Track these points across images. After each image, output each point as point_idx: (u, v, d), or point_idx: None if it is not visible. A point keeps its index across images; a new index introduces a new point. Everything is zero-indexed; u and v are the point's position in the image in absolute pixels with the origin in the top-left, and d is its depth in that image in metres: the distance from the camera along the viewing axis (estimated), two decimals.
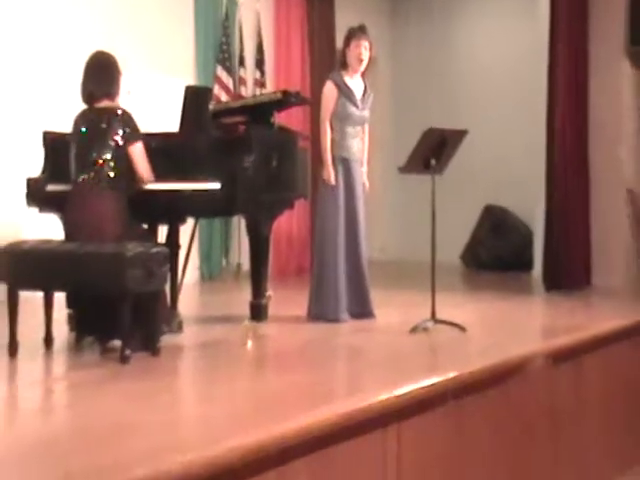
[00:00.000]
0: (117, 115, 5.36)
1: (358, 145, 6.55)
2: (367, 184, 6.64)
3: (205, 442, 3.32)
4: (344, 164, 6.45)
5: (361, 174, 6.57)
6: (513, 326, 6.65)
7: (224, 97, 9.45)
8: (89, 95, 5.45)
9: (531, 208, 9.47)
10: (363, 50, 6.48)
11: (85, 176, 5.36)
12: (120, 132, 5.34)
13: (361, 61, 6.49)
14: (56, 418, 4.22)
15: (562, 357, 5.49)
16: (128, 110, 5.43)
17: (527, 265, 9.53)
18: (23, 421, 4.13)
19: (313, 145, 6.92)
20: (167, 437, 3.47)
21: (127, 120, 5.38)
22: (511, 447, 4.93)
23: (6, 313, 5.06)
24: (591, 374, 5.85)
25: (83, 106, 5.49)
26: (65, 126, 5.66)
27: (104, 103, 5.43)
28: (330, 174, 6.40)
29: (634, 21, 8.82)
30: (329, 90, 6.50)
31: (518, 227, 10.50)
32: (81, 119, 5.45)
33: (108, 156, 5.33)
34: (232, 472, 3.22)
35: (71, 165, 5.46)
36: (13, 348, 5.03)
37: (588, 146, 8.76)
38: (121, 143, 5.34)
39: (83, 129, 5.41)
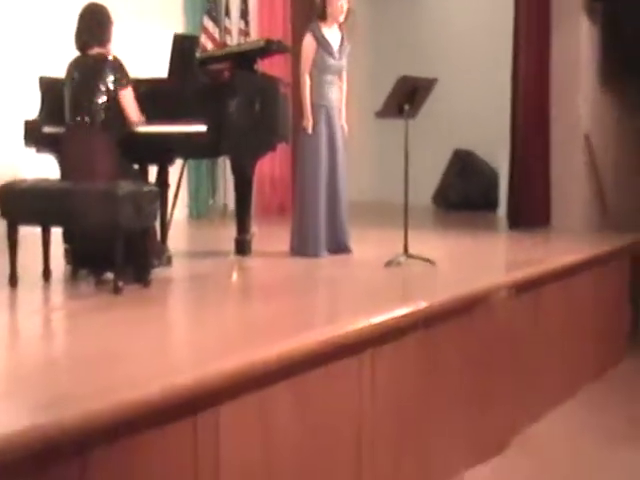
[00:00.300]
0: (108, 62, 5.34)
1: (336, 93, 6.51)
2: (346, 128, 6.60)
3: (193, 365, 3.34)
4: (324, 111, 6.41)
5: (340, 119, 6.53)
6: (479, 260, 6.69)
7: (210, 46, 9.38)
8: (82, 43, 5.41)
9: (496, 152, 9.48)
10: (341, 1, 6.41)
11: (78, 118, 5.35)
12: (111, 78, 5.31)
13: (341, 12, 6.42)
14: (54, 344, 4.22)
15: (523, 288, 5.52)
16: (119, 57, 5.39)
17: (493, 205, 9.56)
18: (23, 347, 4.13)
19: (294, 92, 6.87)
20: (158, 361, 3.48)
21: (117, 66, 5.35)
22: (476, 370, 4.97)
23: (6, 248, 5.04)
24: (548, 303, 5.91)
25: (77, 52, 5.44)
26: (60, 71, 5.61)
27: (96, 50, 5.40)
28: (309, 123, 6.37)
29: None
30: (308, 43, 6.44)
31: (484, 170, 10.51)
32: (74, 65, 5.42)
33: (99, 100, 5.31)
34: (219, 394, 3.22)
35: (66, 107, 5.43)
36: (14, 280, 5.02)
37: (549, 95, 8.74)
38: (112, 88, 5.32)
39: (76, 74, 5.38)
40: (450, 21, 11.55)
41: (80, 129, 5.35)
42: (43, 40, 7.72)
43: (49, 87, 6.18)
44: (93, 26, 5.42)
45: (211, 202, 9.70)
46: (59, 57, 5.83)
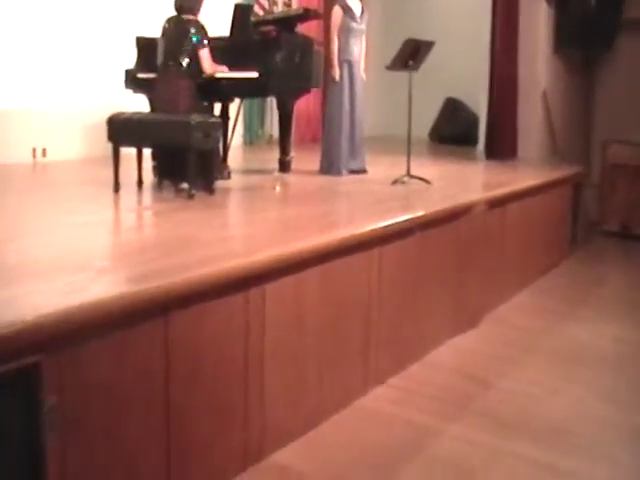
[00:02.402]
0: (196, 25, 5.32)
1: (358, 50, 6.36)
2: (364, 77, 6.46)
3: (246, 252, 3.33)
4: (348, 64, 6.29)
5: (360, 70, 6.40)
6: (463, 182, 6.64)
7: (261, 13, 9.18)
8: (179, 7, 5.38)
9: (478, 100, 9.33)
10: None
11: (168, 64, 5.35)
12: (195, 38, 5.29)
13: None
14: (144, 233, 4.27)
15: (494, 204, 5.47)
16: (203, 23, 5.38)
17: (474, 141, 9.45)
18: (123, 235, 4.20)
19: (325, 49, 6.74)
20: (220, 248, 3.49)
21: (201, 29, 5.33)
22: (458, 263, 4.96)
23: (111, 164, 5.05)
24: (512, 216, 5.86)
25: (165, 17, 5.44)
26: (150, 32, 5.69)
27: (188, 15, 5.36)
28: (337, 73, 6.26)
29: None
30: (336, 12, 6.30)
31: (468, 114, 10.37)
32: (170, 22, 5.42)
33: (185, 53, 5.30)
34: (265, 275, 3.23)
35: (159, 55, 5.43)
36: (117, 187, 5.04)
37: (517, 60, 8.59)
38: (195, 45, 5.29)
39: (170, 30, 5.38)
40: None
41: (168, 73, 5.34)
42: (138, 7, 7.59)
43: (143, 44, 6.29)
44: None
45: (260, 132, 9.60)
46: (150, 21, 5.83)
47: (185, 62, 5.30)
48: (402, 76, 6.01)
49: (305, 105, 9.21)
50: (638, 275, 6.81)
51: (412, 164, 5.86)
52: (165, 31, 5.41)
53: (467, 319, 5.05)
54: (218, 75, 5.55)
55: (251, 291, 3.16)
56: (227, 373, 3.09)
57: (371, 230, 3.98)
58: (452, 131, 10.49)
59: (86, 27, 7.32)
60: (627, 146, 8.70)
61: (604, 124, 9.65)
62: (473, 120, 9.88)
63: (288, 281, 3.39)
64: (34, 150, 6.95)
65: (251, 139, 9.40)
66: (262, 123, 9.64)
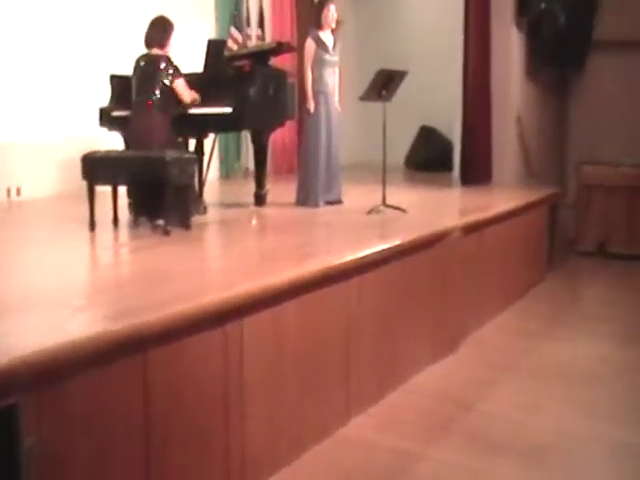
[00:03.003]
0: (164, 60, 5.37)
1: (332, 82, 6.43)
2: (339, 108, 6.53)
3: (223, 286, 3.35)
4: (323, 95, 6.36)
5: (334, 102, 6.47)
6: (439, 208, 6.71)
7: (235, 48, 9.26)
8: (147, 42, 5.48)
9: (452, 127, 9.44)
10: (332, 12, 6.38)
11: (141, 102, 5.39)
12: (166, 71, 5.35)
13: (332, 20, 6.38)
14: (120, 270, 4.27)
15: (471, 229, 5.52)
16: (171, 56, 5.45)
17: (449, 167, 9.53)
18: (98, 272, 4.18)
19: (299, 81, 6.81)
20: (196, 282, 3.51)
21: (172, 63, 5.39)
22: (435, 290, 5.00)
23: (87, 202, 5.08)
24: (489, 240, 5.90)
25: (138, 54, 5.51)
26: (125, 70, 5.72)
27: (156, 50, 5.44)
28: (311, 105, 6.31)
29: (519, 1, 8.83)
30: (309, 44, 6.38)
31: (443, 141, 10.49)
32: (141, 59, 5.48)
33: (157, 88, 5.35)
34: (243, 308, 3.25)
35: (133, 92, 5.48)
36: (92, 225, 5.06)
37: (490, 84, 8.71)
38: (167, 79, 5.36)
39: (141, 66, 5.43)
40: (417, 26, 11.46)
41: (142, 110, 5.38)
42: (112, 46, 7.66)
43: (117, 82, 6.33)
44: (157, 32, 5.48)
45: (237, 165, 9.65)
46: (124, 60, 5.88)
47: (157, 98, 5.34)
48: (376, 104, 6.09)
49: (281, 136, 9.28)
50: (614, 293, 6.90)
51: (388, 191, 5.92)
52: (136, 69, 5.46)
53: (447, 344, 5.08)
54: (192, 111, 5.60)
55: (229, 325, 3.18)
56: (207, 406, 3.10)
57: (349, 260, 4.01)
58: (427, 158, 10.60)
59: (61, 64, 7.39)
60: (601, 166, 8.85)
61: (578, 144, 9.78)
62: (448, 147, 9.98)
63: (267, 314, 3.41)
64: (8, 189, 6.98)
65: (227, 172, 9.44)
66: (238, 156, 9.68)
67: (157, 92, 5.34)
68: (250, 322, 3.29)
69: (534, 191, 7.63)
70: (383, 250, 4.33)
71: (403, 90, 6.17)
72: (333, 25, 6.42)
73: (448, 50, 9.35)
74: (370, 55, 11.04)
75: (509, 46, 8.87)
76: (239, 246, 4.66)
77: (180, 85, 5.41)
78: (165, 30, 5.50)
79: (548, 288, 7.11)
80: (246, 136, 8.65)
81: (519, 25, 8.98)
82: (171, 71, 5.36)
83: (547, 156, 9.60)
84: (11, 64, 7.01)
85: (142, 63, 5.43)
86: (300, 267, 3.75)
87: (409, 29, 11.57)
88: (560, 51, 9.17)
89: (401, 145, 10.33)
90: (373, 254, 4.22)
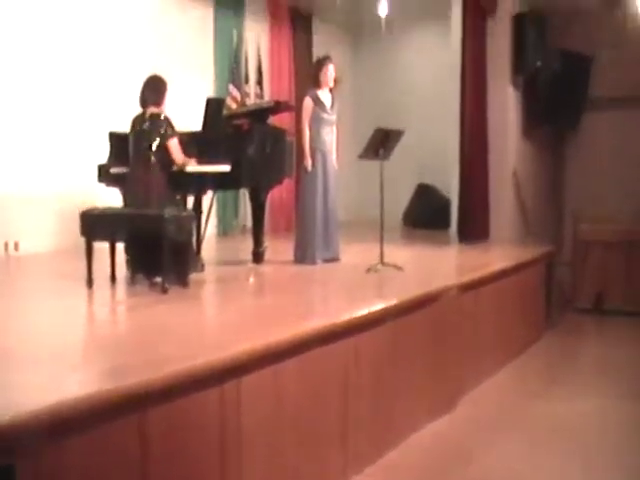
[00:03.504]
0: (160, 119, 5.41)
1: (329, 140, 6.52)
2: (336, 166, 6.61)
3: (222, 345, 3.35)
4: (321, 154, 6.43)
5: (332, 160, 6.54)
6: (435, 267, 6.74)
7: (234, 106, 9.41)
8: (143, 102, 5.51)
9: (449, 185, 9.51)
10: (330, 72, 6.48)
11: (138, 160, 5.43)
12: (162, 130, 5.37)
13: (329, 79, 6.48)
14: (117, 328, 4.27)
15: (467, 288, 5.55)
16: (168, 115, 5.48)
17: (446, 225, 9.58)
18: (95, 329, 4.19)
19: (297, 139, 6.89)
20: (195, 342, 3.51)
21: (167, 122, 5.42)
22: (433, 348, 4.99)
23: (84, 258, 5.10)
24: (486, 298, 5.93)
25: (137, 111, 5.55)
26: (123, 127, 5.74)
27: (152, 109, 5.47)
28: (309, 163, 6.39)
29: (515, 60, 9.00)
30: (307, 103, 6.48)
31: (440, 198, 10.56)
32: (137, 119, 5.50)
33: (154, 147, 5.38)
34: (241, 368, 3.25)
35: (130, 151, 5.51)
36: (90, 282, 5.07)
37: (487, 142, 8.83)
38: (162, 138, 5.39)
39: (137, 126, 5.46)
40: (415, 84, 11.67)
41: (139, 167, 5.42)
42: (111, 103, 7.82)
43: (116, 139, 6.38)
44: (152, 91, 5.51)
45: (234, 222, 9.72)
46: (121, 118, 5.96)
47: (153, 156, 5.38)
48: (374, 163, 6.15)
49: (278, 193, 9.36)
50: (611, 350, 6.90)
51: (385, 249, 5.96)
52: (133, 127, 5.51)
53: (445, 402, 5.06)
54: (190, 169, 5.65)
55: (227, 384, 3.17)
56: (204, 463, 3.08)
57: (346, 320, 4.03)
58: (424, 215, 10.67)
59: (60, 120, 7.53)
60: (597, 223, 8.92)
61: (575, 200, 9.88)
62: (445, 204, 10.04)
63: (265, 373, 3.41)
64: (6, 244, 7.03)
65: (225, 229, 9.50)
66: (235, 213, 9.76)
67: (154, 150, 5.38)
68: (248, 381, 3.29)
69: (530, 249, 7.69)
70: (380, 309, 4.34)
71: (400, 147, 6.26)
72: (331, 84, 6.52)
73: (445, 107, 9.49)
74: (367, 112, 11.22)
75: (505, 103, 9.01)
76: (237, 304, 4.67)
77: (174, 145, 5.45)
78: (159, 89, 5.55)
79: (545, 346, 7.11)
80: (244, 193, 8.73)
81: (515, 83, 9.12)
82: (167, 130, 5.41)
83: (543, 212, 9.69)
84: (12, 118, 7.13)
85: (139, 121, 5.48)
86: (298, 326, 3.76)
87: (406, 86, 11.78)
88: (556, 109, 9.31)
89: (398, 202, 10.43)
90: (371, 313, 4.23)
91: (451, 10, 9.10)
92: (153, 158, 5.38)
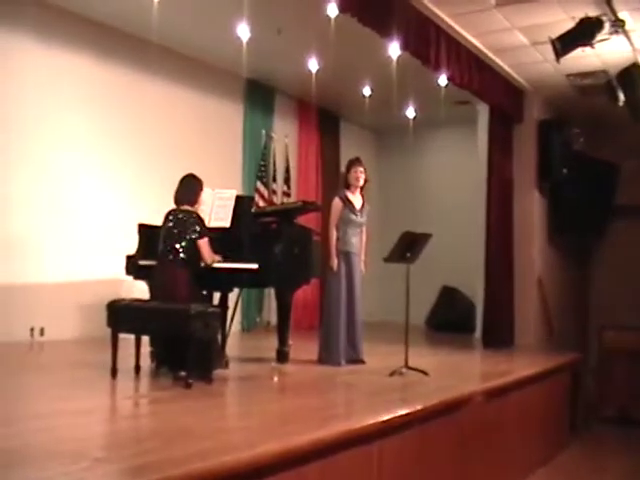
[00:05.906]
0: (193, 217, 5.52)
1: (357, 242, 6.57)
2: (364, 270, 6.64)
3: (244, 446, 3.35)
4: (346, 255, 6.48)
5: (359, 262, 6.57)
6: (461, 372, 6.67)
7: (261, 203, 9.56)
8: (178, 200, 5.63)
9: (474, 289, 9.53)
10: (360, 174, 6.58)
11: (167, 254, 5.50)
12: (193, 228, 5.48)
13: (359, 181, 6.58)
14: (141, 423, 4.25)
15: (492, 394, 5.52)
16: (201, 214, 5.62)
17: (471, 329, 9.55)
18: (118, 423, 4.16)
19: (323, 239, 6.95)
20: (217, 441, 3.49)
21: (199, 221, 5.54)
22: (458, 455, 4.95)
23: (109, 348, 5.15)
24: (511, 405, 5.90)
25: (169, 206, 5.66)
26: (152, 220, 5.89)
27: (186, 207, 5.59)
28: (334, 263, 6.44)
29: (541, 166, 9.13)
30: (336, 204, 6.56)
31: (465, 302, 10.55)
32: (170, 214, 5.61)
33: (184, 243, 5.48)
34: (264, 469, 3.23)
35: (159, 245, 5.60)
36: (114, 372, 5.12)
37: (512, 248, 8.89)
38: (193, 236, 5.48)
39: (170, 222, 5.56)
40: (440, 187, 11.87)
41: (167, 262, 5.49)
42: (141, 197, 8.02)
43: (144, 232, 6.46)
44: (187, 190, 5.65)
45: (259, 319, 9.74)
46: (151, 211, 6.07)
47: (183, 252, 5.46)
48: (400, 265, 6.17)
49: (303, 292, 9.33)
50: (637, 462, 6.73)
51: (410, 352, 5.94)
52: (165, 222, 5.60)
53: None
54: (217, 265, 5.71)
55: None
56: None
57: (370, 424, 4.00)
58: (449, 318, 10.63)
59: (89, 210, 7.72)
60: (622, 331, 8.85)
61: (600, 308, 9.84)
62: (470, 308, 10.03)
63: (287, 475, 3.38)
64: (32, 329, 7.10)
65: (249, 326, 9.51)
66: (260, 310, 9.78)
67: (183, 246, 5.47)
68: None
69: (555, 356, 7.63)
70: (404, 415, 4.31)
71: (427, 250, 6.28)
72: (361, 185, 6.61)
73: (470, 211, 9.58)
74: (391, 212, 11.34)
75: (531, 209, 9.08)
76: (260, 405, 4.64)
77: (204, 245, 5.53)
78: (194, 189, 5.68)
79: (570, 456, 6.98)
80: (269, 290, 8.76)
81: (541, 189, 9.19)
82: (198, 228, 5.50)
83: (568, 319, 9.64)
84: (42, 207, 7.32)
85: (172, 217, 5.58)
86: (322, 429, 3.74)
87: (432, 188, 11.95)
88: (581, 218, 9.34)
89: (422, 304, 10.40)
90: (394, 418, 4.20)
91: (477, 116, 9.28)
92: (181, 253, 5.46)
